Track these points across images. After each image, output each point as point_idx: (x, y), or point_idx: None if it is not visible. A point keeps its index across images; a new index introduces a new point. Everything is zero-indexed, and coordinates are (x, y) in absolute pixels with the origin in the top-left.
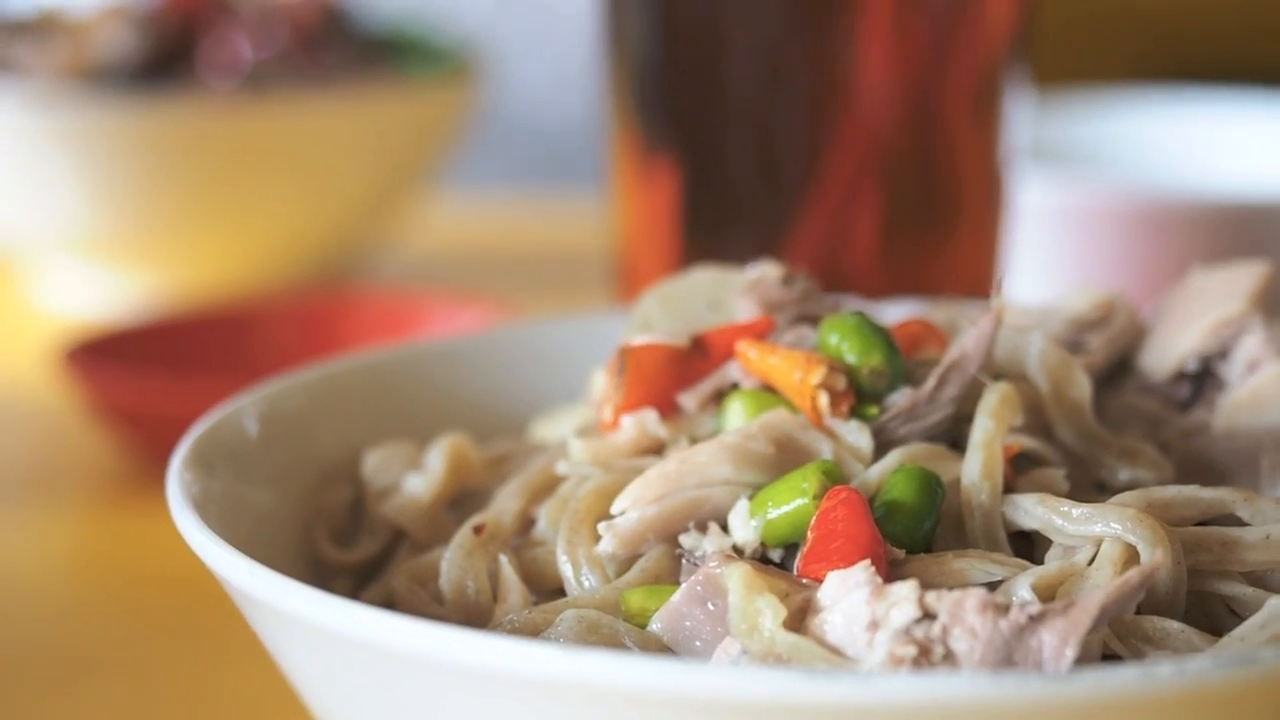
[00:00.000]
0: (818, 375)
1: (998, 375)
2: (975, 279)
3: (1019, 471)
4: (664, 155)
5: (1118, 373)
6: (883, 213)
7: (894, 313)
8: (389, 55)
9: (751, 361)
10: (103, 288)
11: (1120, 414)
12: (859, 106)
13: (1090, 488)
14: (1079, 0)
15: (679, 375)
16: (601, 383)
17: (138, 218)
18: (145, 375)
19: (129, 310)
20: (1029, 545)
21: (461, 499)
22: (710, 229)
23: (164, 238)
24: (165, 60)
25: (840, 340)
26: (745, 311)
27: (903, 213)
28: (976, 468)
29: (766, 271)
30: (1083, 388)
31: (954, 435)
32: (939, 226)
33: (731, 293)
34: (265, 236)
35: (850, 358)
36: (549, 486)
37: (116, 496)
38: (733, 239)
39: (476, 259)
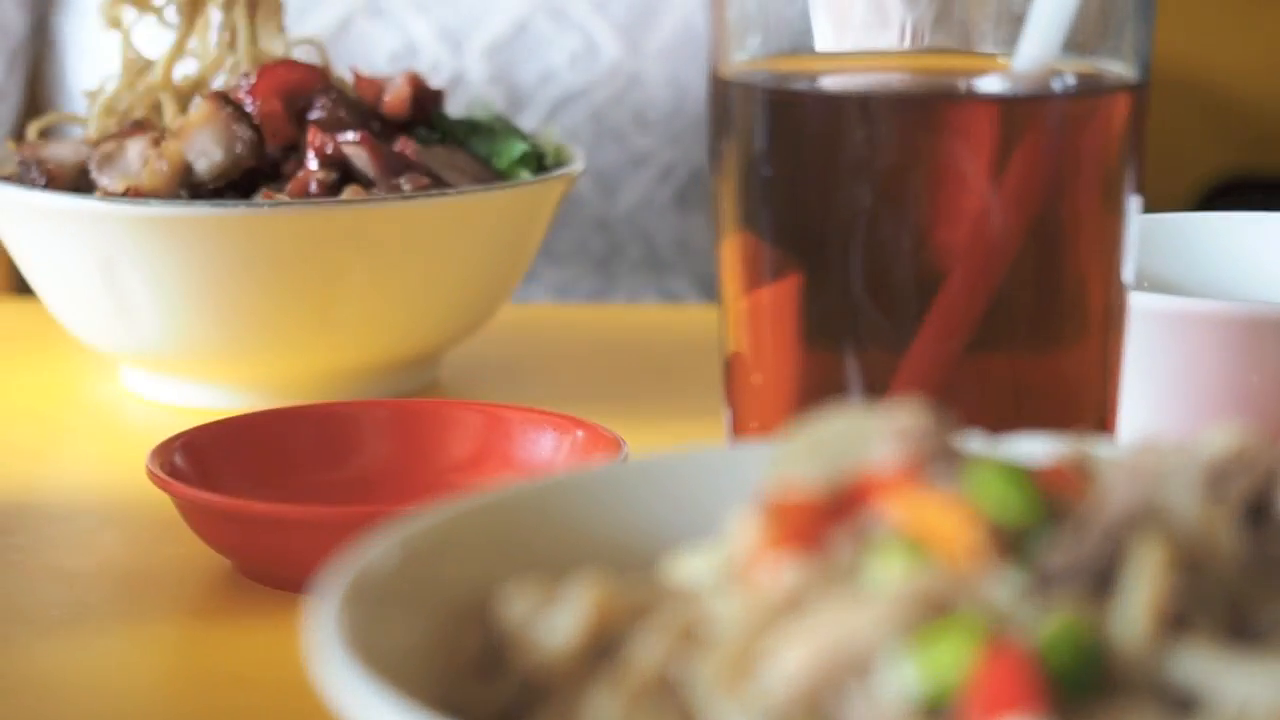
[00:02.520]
0: (970, 528)
1: (1141, 525)
2: (1095, 402)
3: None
4: (778, 263)
5: (1260, 518)
6: (1000, 334)
7: (1025, 449)
8: (476, 141)
9: (899, 511)
10: (193, 389)
11: (1265, 565)
12: (977, 226)
13: (1241, 645)
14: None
15: (822, 522)
16: (741, 527)
17: (229, 321)
18: (233, 482)
19: (220, 407)
20: (1185, 705)
21: (601, 642)
22: (826, 341)
23: (253, 341)
24: (259, 162)
25: (989, 490)
26: (890, 456)
27: (1020, 335)
28: (1136, 626)
29: (911, 415)
30: (1231, 542)
31: (1105, 586)
32: (1057, 349)
33: (874, 434)
34: (358, 339)
35: (1000, 509)
36: (691, 635)
37: (211, 602)
38: (850, 352)
39: (559, 359)
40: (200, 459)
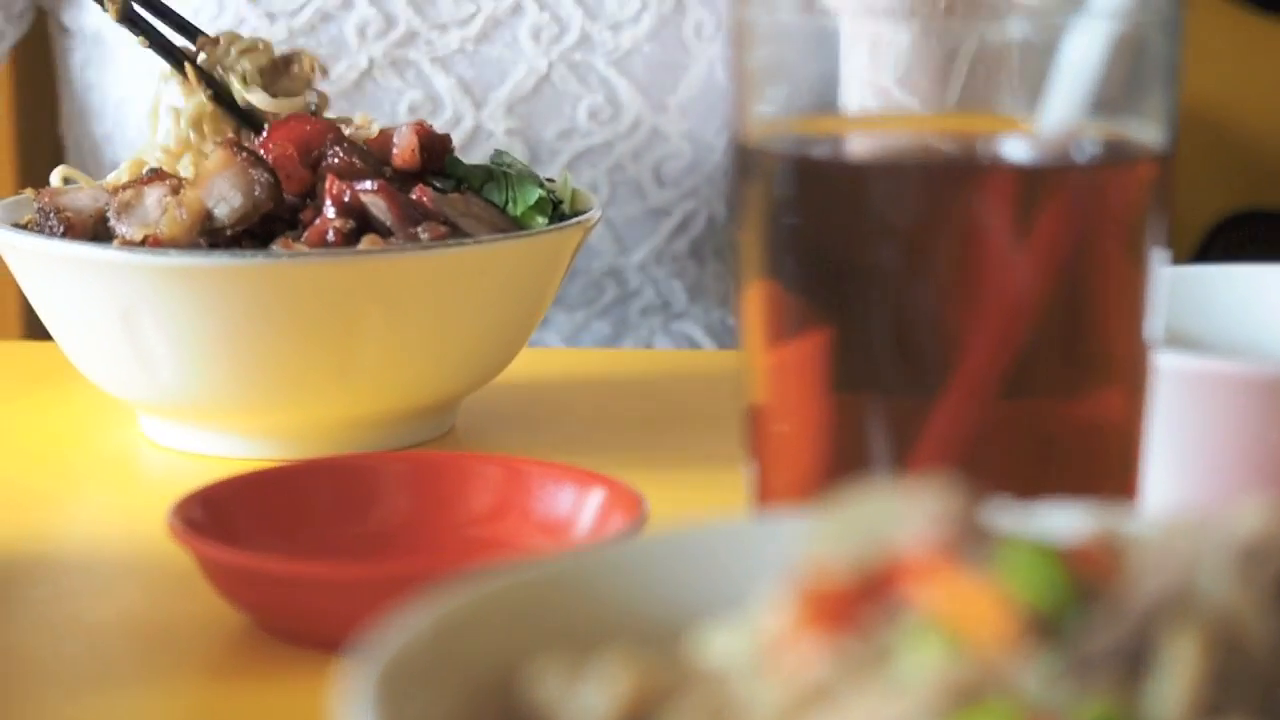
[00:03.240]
0: (1002, 614)
1: (1175, 609)
2: (1121, 459)
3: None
4: (803, 316)
5: None
6: (1025, 392)
7: (1054, 522)
8: (492, 187)
9: (931, 596)
10: (212, 437)
11: None
12: (1002, 287)
13: None
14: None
15: (853, 606)
16: (771, 608)
17: (247, 370)
18: (253, 536)
19: (238, 455)
20: None
21: None
22: (852, 395)
23: (271, 390)
24: (277, 208)
25: (1021, 574)
26: (920, 538)
27: (1045, 393)
28: (1172, 711)
29: (940, 494)
30: (1264, 626)
31: (1140, 671)
32: (1082, 407)
33: (903, 514)
34: (376, 388)
35: (1033, 593)
36: (722, 717)
37: (231, 658)
38: (876, 408)
39: (575, 404)
40: (220, 513)
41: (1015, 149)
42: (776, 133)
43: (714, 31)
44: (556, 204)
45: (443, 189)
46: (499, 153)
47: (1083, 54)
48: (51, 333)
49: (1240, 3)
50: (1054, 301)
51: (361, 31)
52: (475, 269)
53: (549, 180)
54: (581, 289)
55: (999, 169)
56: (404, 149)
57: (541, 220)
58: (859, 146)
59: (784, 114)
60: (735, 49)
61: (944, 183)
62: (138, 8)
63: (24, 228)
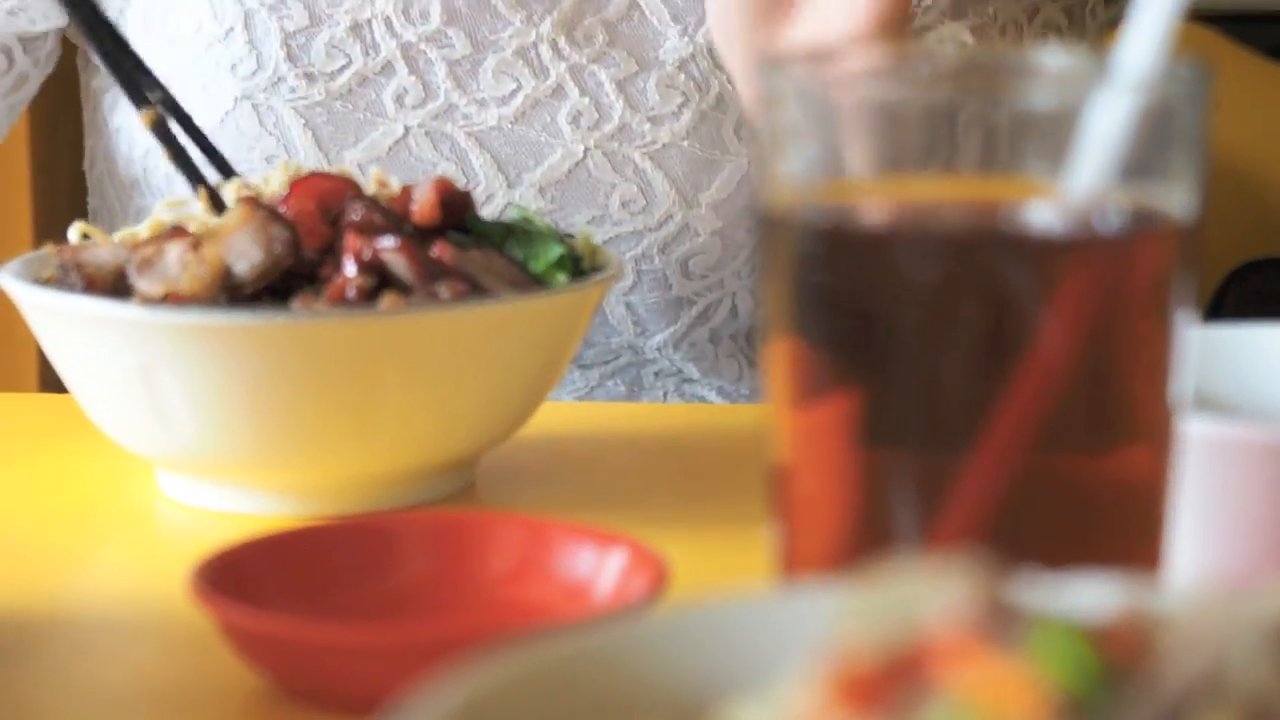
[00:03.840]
0: (1032, 697)
1: (1206, 693)
2: (1148, 526)
3: None
4: (830, 376)
5: None
6: (1053, 457)
7: (1082, 597)
8: (513, 244)
9: (960, 678)
10: (231, 494)
11: None
12: (1028, 352)
13: None
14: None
15: (882, 687)
16: (799, 687)
17: (267, 428)
18: (274, 598)
19: (257, 512)
20: None
21: None
22: (880, 457)
23: (291, 448)
24: (297, 263)
25: (1051, 656)
26: (949, 618)
27: (1072, 458)
28: None
29: (969, 572)
30: None
31: None
32: (1109, 472)
33: (932, 592)
34: (395, 446)
35: (1063, 676)
36: None
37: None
38: (904, 470)
39: (593, 459)
40: (241, 575)
41: (1041, 215)
42: (802, 194)
43: (754, 132)
44: (577, 260)
45: (463, 245)
46: (520, 209)
47: (1107, 125)
48: (69, 388)
49: (1255, 50)
50: (1081, 366)
51: (399, 99)
52: (495, 327)
53: (569, 236)
54: (598, 351)
55: (1024, 238)
56: (423, 204)
57: (563, 277)
58: (884, 210)
59: (809, 176)
60: (762, 111)
61: (969, 250)
62: (173, 124)
63: (43, 283)
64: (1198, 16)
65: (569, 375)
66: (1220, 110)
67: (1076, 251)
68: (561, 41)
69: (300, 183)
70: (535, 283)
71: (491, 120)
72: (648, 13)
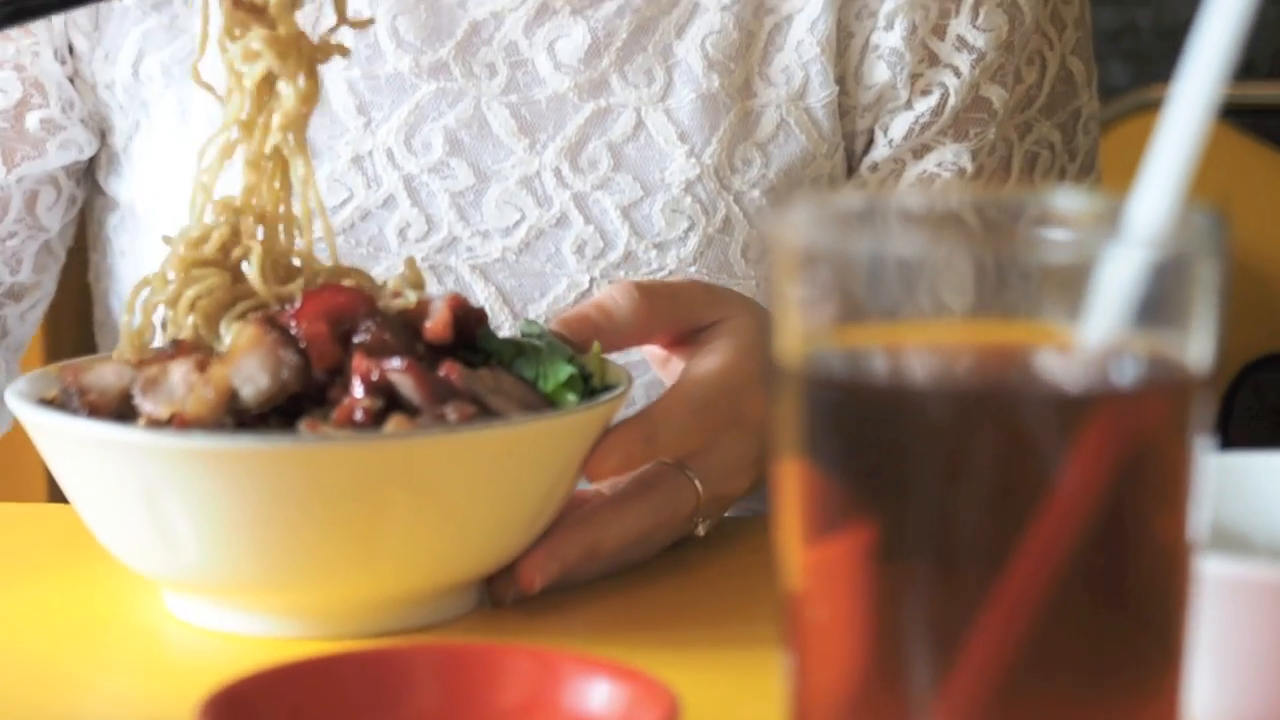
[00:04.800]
0: None
1: None
2: (1165, 671)
3: None
4: (844, 508)
5: None
6: (1068, 603)
7: None
8: (523, 363)
9: None
10: (237, 617)
11: None
12: (1044, 503)
13: None
14: None
15: None
16: None
17: (273, 552)
18: None
19: (264, 634)
20: None
21: None
22: (893, 592)
23: (297, 571)
24: (305, 386)
25: None
26: None
27: (1088, 605)
28: None
29: None
30: None
31: None
32: (1125, 618)
33: None
34: (402, 568)
35: None
36: None
37: None
38: (919, 609)
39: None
40: (248, 708)
41: (1057, 365)
42: (814, 341)
43: (760, 254)
44: (587, 378)
45: (473, 363)
46: (528, 323)
47: (1121, 278)
48: (75, 507)
49: (1264, 142)
50: (1098, 511)
51: (402, 233)
52: (504, 449)
53: (578, 353)
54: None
55: (1040, 389)
56: (437, 323)
57: (573, 397)
58: (900, 358)
59: (822, 321)
60: (772, 258)
61: (985, 401)
62: None
63: (49, 403)
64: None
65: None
66: (1230, 203)
67: (1092, 403)
68: (565, 168)
69: (314, 296)
70: (545, 402)
71: (495, 252)
72: (654, 132)
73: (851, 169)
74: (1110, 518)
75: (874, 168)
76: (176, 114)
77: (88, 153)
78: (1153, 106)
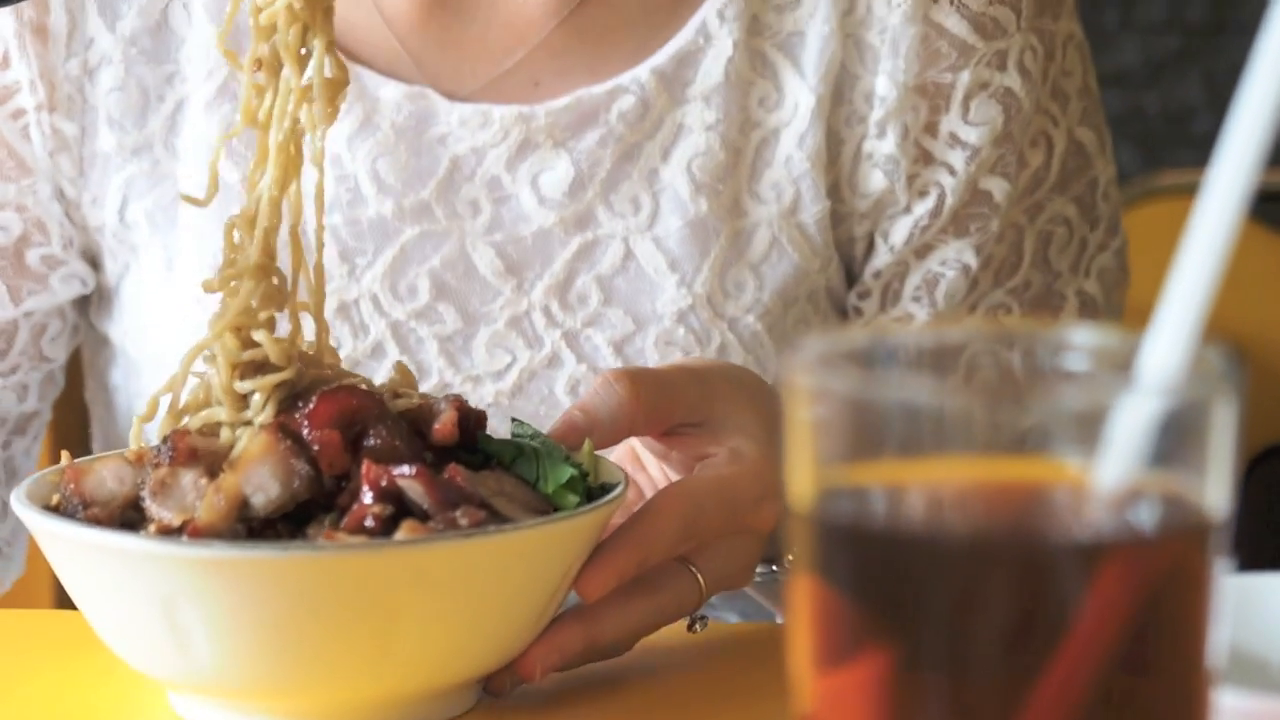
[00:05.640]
0: None
1: None
2: None
3: None
4: (858, 633)
5: None
6: None
7: None
8: (523, 464)
9: None
10: (245, 717)
11: None
12: (1060, 644)
13: None
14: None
15: None
16: None
17: (284, 657)
18: None
19: None
20: None
21: None
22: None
23: (308, 675)
24: (315, 494)
25: None
26: None
27: None
28: None
29: None
30: None
31: None
32: None
33: None
34: (412, 670)
35: None
36: None
37: None
38: None
39: (601, 671)
40: None
41: (1072, 507)
42: (827, 482)
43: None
44: (584, 476)
45: (473, 464)
46: (519, 424)
47: (1135, 424)
48: (82, 612)
49: (1271, 227)
50: (1114, 650)
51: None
52: (513, 552)
53: (573, 452)
54: None
55: (1055, 534)
56: (444, 424)
57: (574, 498)
58: (912, 501)
59: (834, 462)
60: (783, 397)
61: (999, 546)
62: None
63: (54, 508)
64: None
65: None
66: (1239, 290)
67: (1110, 549)
68: (554, 307)
69: (327, 399)
70: (548, 504)
71: (488, 397)
72: (643, 262)
73: (852, 275)
74: (1127, 655)
75: (877, 275)
76: (162, 263)
77: (90, 285)
78: (1161, 193)
